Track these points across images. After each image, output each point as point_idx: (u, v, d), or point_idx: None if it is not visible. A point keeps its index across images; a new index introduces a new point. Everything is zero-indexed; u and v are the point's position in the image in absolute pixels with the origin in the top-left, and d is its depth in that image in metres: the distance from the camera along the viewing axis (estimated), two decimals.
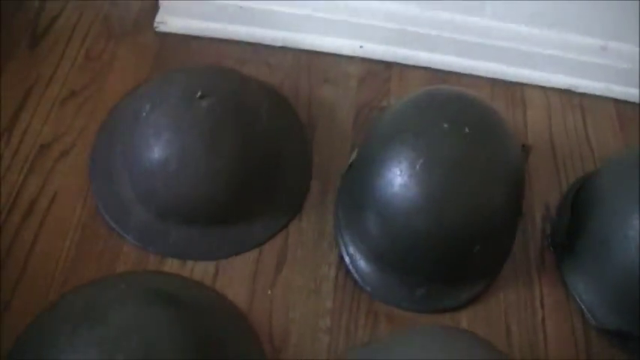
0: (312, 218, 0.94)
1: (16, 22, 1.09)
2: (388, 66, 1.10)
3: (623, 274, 0.85)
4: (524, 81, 1.09)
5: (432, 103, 0.86)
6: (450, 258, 0.84)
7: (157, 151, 0.85)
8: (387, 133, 0.86)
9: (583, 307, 0.89)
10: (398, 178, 0.82)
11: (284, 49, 1.10)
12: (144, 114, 0.88)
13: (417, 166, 0.81)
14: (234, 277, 0.88)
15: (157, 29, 1.10)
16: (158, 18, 1.09)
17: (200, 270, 0.88)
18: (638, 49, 1.03)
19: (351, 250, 0.89)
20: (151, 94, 0.90)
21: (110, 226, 0.90)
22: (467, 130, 0.82)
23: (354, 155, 0.92)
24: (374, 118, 1.02)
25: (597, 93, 1.11)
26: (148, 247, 0.88)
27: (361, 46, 1.10)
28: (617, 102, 1.11)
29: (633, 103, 1.09)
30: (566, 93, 1.11)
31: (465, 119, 0.83)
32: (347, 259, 0.89)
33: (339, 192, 0.95)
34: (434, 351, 0.70)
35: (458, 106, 0.85)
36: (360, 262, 0.89)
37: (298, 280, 0.88)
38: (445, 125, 0.82)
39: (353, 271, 0.89)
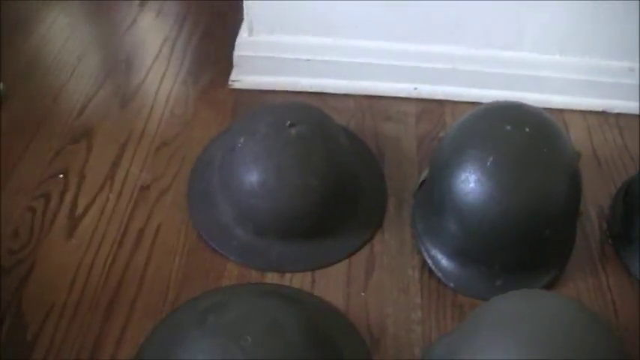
0: (393, 231, 1.04)
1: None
2: (441, 103, 1.22)
3: None
4: (564, 107, 1.20)
5: (492, 111, 0.98)
6: (523, 244, 0.93)
7: (255, 174, 0.97)
8: (455, 142, 0.97)
9: None
10: (472, 176, 0.93)
11: (347, 96, 1.22)
12: (239, 145, 0.99)
13: (488, 164, 0.92)
14: (329, 285, 0.97)
15: (231, 87, 1.21)
16: (233, 77, 1.21)
17: (298, 280, 0.97)
18: None
19: (433, 252, 0.98)
20: (242, 129, 1.02)
21: (213, 248, 0.99)
22: (527, 129, 0.93)
23: (424, 174, 1.04)
24: (439, 140, 1.12)
25: (631, 112, 1.21)
26: (250, 264, 0.98)
27: (415, 88, 1.21)
28: None
29: None
30: (603, 114, 1.21)
31: (524, 121, 0.94)
32: (429, 261, 0.98)
33: (414, 207, 1.06)
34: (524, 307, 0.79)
35: (517, 112, 0.96)
36: (441, 261, 0.98)
37: (387, 282, 0.97)
38: (508, 127, 0.93)
39: (436, 270, 0.98)
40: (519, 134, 0.93)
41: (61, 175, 1.08)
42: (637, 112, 1.22)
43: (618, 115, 1.23)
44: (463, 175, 0.93)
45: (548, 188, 0.92)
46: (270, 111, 1.02)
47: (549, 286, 0.97)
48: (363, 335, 0.91)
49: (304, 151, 0.97)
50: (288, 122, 0.98)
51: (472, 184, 0.92)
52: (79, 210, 1.04)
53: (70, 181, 1.07)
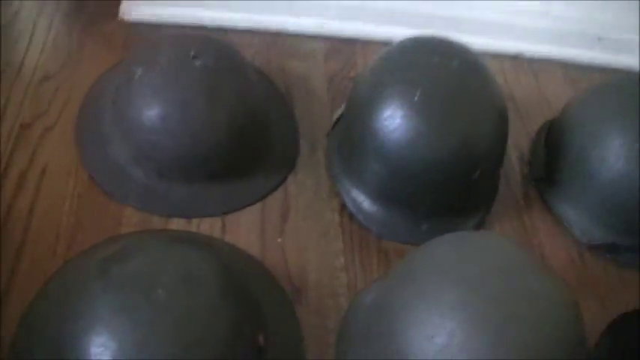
0: (307, 172, 0.96)
1: None
2: (351, 42, 1.15)
3: (602, 191, 0.92)
4: (478, 48, 1.13)
5: (418, 43, 0.91)
6: (453, 186, 0.87)
7: (156, 108, 0.86)
8: (377, 77, 0.90)
9: (572, 228, 0.93)
10: (398, 112, 0.85)
11: (250, 32, 1.12)
12: (137, 76, 0.88)
13: (416, 98, 0.84)
14: (241, 230, 0.88)
15: (121, 18, 1.09)
16: (123, 7, 1.09)
17: (207, 226, 0.88)
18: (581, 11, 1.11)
19: (353, 194, 0.91)
20: (140, 60, 0.90)
21: (107, 192, 0.87)
22: (456, 63, 0.86)
23: (338, 112, 0.96)
24: (349, 79, 1.07)
25: (544, 56, 1.17)
26: (151, 209, 0.87)
27: (323, 25, 1.12)
28: (564, 64, 1.17)
29: (579, 64, 1.17)
30: (517, 58, 1.17)
31: (453, 54, 0.88)
32: (349, 203, 0.91)
33: (329, 147, 0.98)
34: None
35: (444, 45, 0.90)
36: (363, 204, 0.90)
37: (305, 226, 0.89)
38: (436, 59, 0.86)
39: (357, 213, 0.90)
40: (448, 67, 0.87)
41: None
42: (550, 56, 1.16)
43: (532, 58, 1.17)
44: (388, 111, 0.86)
45: (480, 126, 0.87)
46: (172, 42, 0.92)
47: (475, 230, 0.91)
48: (283, 285, 0.83)
49: (211, 83, 0.87)
50: (192, 53, 0.87)
51: (398, 120, 0.85)
52: None
53: None
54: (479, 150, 0.86)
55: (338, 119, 0.97)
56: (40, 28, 1.07)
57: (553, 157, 0.98)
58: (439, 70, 0.86)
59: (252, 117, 0.91)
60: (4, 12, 1.07)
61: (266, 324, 0.77)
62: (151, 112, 0.85)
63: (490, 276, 0.67)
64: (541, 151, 1.00)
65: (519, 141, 1.04)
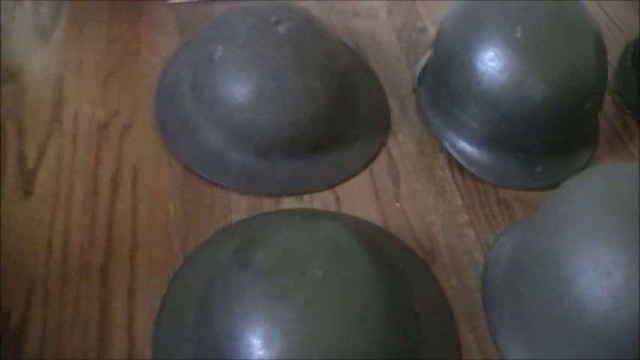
0: (405, 131, 0.92)
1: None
2: None
3: None
4: None
5: None
6: (567, 121, 0.83)
7: (248, 83, 0.82)
8: (468, 19, 0.85)
9: None
10: (501, 51, 0.81)
11: None
12: (218, 55, 0.83)
13: (518, 35, 0.80)
14: (356, 200, 0.84)
15: (169, 1, 1.03)
16: None
17: (319, 201, 0.84)
18: None
19: (460, 146, 0.87)
20: (216, 37, 0.85)
21: (209, 180, 0.82)
22: None
23: (421, 63, 0.91)
24: (418, 31, 1.04)
25: None
26: (258, 190, 0.82)
27: None
28: None
29: None
30: None
31: None
32: (458, 156, 0.86)
33: (422, 103, 0.93)
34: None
35: None
36: (473, 155, 0.87)
37: (419, 187, 0.86)
38: None
39: (467, 165, 0.86)
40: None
41: None
42: None
43: None
44: (490, 52, 0.82)
45: (585, 54, 0.83)
46: (244, 13, 0.86)
47: (586, 166, 0.87)
48: (415, 249, 0.77)
49: (299, 49, 0.83)
50: (274, 19, 0.82)
51: (504, 61, 0.81)
52: (30, 163, 0.84)
53: (6, 131, 0.86)
54: (588, 79, 0.83)
55: (422, 72, 0.91)
56: (89, 24, 1.00)
57: None
58: (534, 3, 0.81)
59: (344, 80, 0.87)
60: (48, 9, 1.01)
61: (413, 290, 0.72)
62: (243, 89, 0.81)
63: None
64: (630, 76, 0.96)
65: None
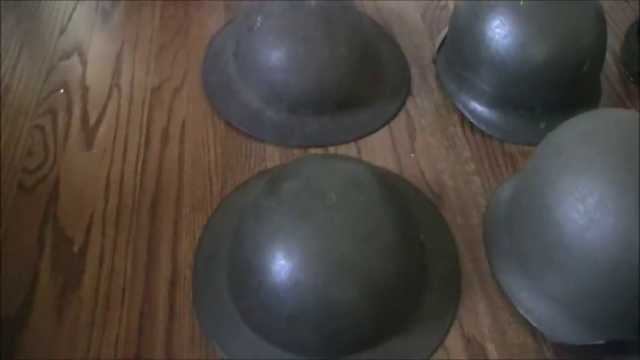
0: (423, 95, 1.02)
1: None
2: None
3: None
4: None
5: None
6: (565, 81, 0.92)
7: (283, 48, 0.93)
8: None
9: None
10: (507, 19, 0.92)
11: None
12: (257, 25, 0.94)
13: (521, 3, 0.90)
14: (376, 151, 0.95)
15: None
16: None
17: (343, 152, 0.94)
18: None
19: (471, 106, 0.97)
20: (255, 11, 0.97)
21: (247, 135, 0.94)
22: None
23: (441, 35, 1.01)
24: (441, 9, 1.14)
25: None
26: (290, 142, 0.93)
27: None
28: None
29: None
30: None
31: None
32: (469, 115, 0.96)
33: (440, 70, 1.03)
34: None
35: None
36: (482, 114, 0.96)
37: (433, 141, 0.95)
38: None
39: (478, 123, 0.96)
40: None
41: (62, 91, 1.01)
42: None
43: None
44: (497, 20, 0.92)
45: (582, 20, 0.92)
46: None
47: None
48: (425, 193, 0.88)
49: (327, 20, 0.94)
50: None
51: (508, 27, 0.91)
52: (92, 120, 0.97)
53: (73, 94, 1.00)
54: (585, 42, 0.91)
55: (441, 44, 1.02)
56: (145, 6, 1.14)
57: None
58: None
59: (367, 47, 0.97)
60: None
61: (420, 222, 0.82)
62: (278, 53, 0.92)
63: (630, 136, 0.72)
64: (634, 48, 1.05)
65: (610, 43, 1.07)
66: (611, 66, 1.06)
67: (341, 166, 0.79)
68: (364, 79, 0.96)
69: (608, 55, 1.03)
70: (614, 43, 1.09)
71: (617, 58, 1.07)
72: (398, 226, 0.76)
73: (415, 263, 0.78)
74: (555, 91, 0.92)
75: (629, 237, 0.68)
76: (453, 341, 0.76)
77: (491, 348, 0.76)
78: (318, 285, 0.70)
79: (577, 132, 0.77)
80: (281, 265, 0.72)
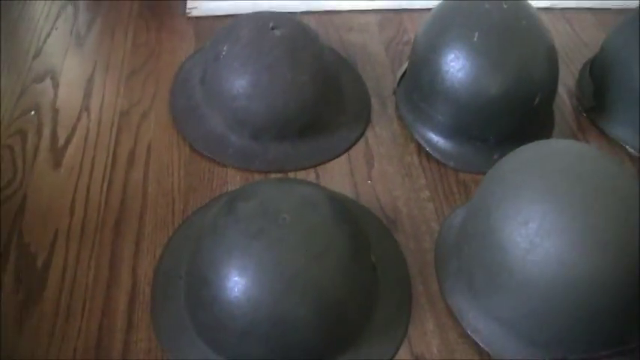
0: (383, 125, 1.06)
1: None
2: (398, 12, 1.26)
3: None
4: None
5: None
6: (517, 113, 0.96)
7: (246, 76, 0.97)
8: (437, 27, 1.00)
9: (626, 145, 1.03)
10: (461, 52, 0.96)
11: (307, 13, 1.24)
12: (223, 54, 0.98)
13: (475, 39, 0.95)
14: (334, 178, 0.98)
15: (189, 15, 1.20)
16: (189, 4, 1.20)
17: (302, 178, 0.97)
18: None
19: (428, 136, 1.01)
20: (223, 39, 1.01)
21: (210, 159, 0.98)
22: (505, 5, 0.96)
23: (401, 69, 1.06)
24: (404, 44, 1.19)
25: (575, 6, 1.27)
26: (251, 167, 0.97)
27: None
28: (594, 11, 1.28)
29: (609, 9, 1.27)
30: (550, 10, 1.27)
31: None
32: (425, 145, 1.00)
33: (399, 101, 1.08)
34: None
35: None
36: (437, 143, 1.00)
37: (389, 169, 0.99)
38: (487, 5, 0.97)
39: (433, 152, 1.00)
40: (499, 9, 0.96)
41: (33, 112, 1.04)
42: (580, 5, 1.27)
43: (564, 8, 1.27)
44: (452, 54, 0.96)
45: (534, 56, 0.96)
46: (248, 19, 1.02)
47: None
48: (380, 218, 0.92)
49: (291, 49, 0.98)
50: (272, 25, 0.98)
51: (462, 61, 0.95)
52: (61, 141, 1.00)
53: (43, 116, 1.04)
54: (536, 77, 0.96)
55: (402, 76, 1.06)
56: (119, 31, 1.18)
57: (599, 86, 1.08)
58: (492, 12, 0.96)
59: (329, 77, 1.01)
60: (83, 19, 1.19)
61: (372, 245, 0.86)
62: (242, 81, 0.96)
63: (573, 163, 0.76)
64: (587, 84, 1.10)
65: (566, 80, 1.13)
66: (565, 100, 1.10)
67: (296, 188, 0.83)
68: (326, 107, 1.00)
69: (562, 90, 1.09)
70: (568, 79, 1.14)
71: (571, 93, 1.11)
72: (350, 245, 0.79)
73: (366, 282, 0.81)
74: (508, 123, 0.96)
75: (567, 259, 0.72)
76: (403, 359, 0.79)
77: None
78: (270, 301, 0.73)
79: (521, 159, 0.81)
80: (235, 282, 0.74)
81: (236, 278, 0.75)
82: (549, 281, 0.73)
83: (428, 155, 1.00)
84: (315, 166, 0.99)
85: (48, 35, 1.17)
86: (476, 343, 0.79)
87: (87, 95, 1.07)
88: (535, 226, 0.74)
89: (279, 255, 0.75)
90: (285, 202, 0.79)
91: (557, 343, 0.76)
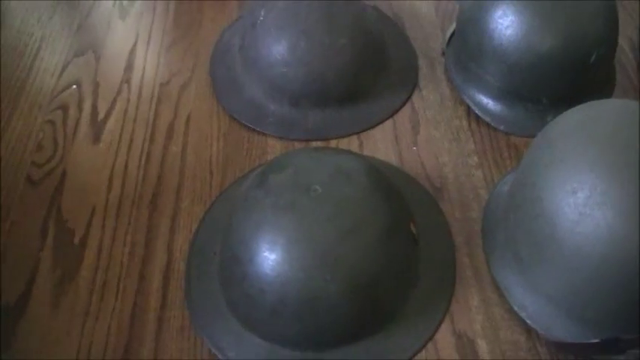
0: (430, 88, 1.00)
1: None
2: None
3: None
4: None
5: None
6: (570, 74, 0.90)
7: (283, 42, 0.93)
8: None
9: None
10: (509, 8, 0.90)
11: None
12: (260, 20, 0.94)
13: None
14: (378, 145, 0.93)
15: None
16: None
17: (344, 146, 0.93)
18: None
19: (477, 99, 0.95)
20: (259, 6, 0.97)
21: (249, 128, 0.94)
22: None
23: (451, 29, 1.00)
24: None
25: None
26: (291, 136, 0.93)
27: None
28: None
29: None
30: None
31: None
32: (475, 108, 0.95)
33: (448, 62, 1.02)
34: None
35: None
36: (487, 105, 0.94)
37: (436, 134, 0.94)
38: None
39: (483, 115, 0.94)
40: None
41: (74, 87, 1.03)
42: None
43: None
44: (499, 11, 0.90)
45: (588, 9, 0.89)
46: None
47: None
48: (425, 186, 0.86)
49: (329, 11, 0.94)
50: None
51: (510, 17, 0.89)
52: (101, 115, 0.99)
53: (84, 91, 1.02)
54: (591, 32, 0.88)
55: (451, 36, 1.00)
56: (161, 2, 1.16)
57: None
58: None
59: (371, 39, 0.97)
60: None
61: (414, 215, 0.81)
62: (279, 47, 0.92)
63: (627, 127, 0.69)
64: None
65: (629, 32, 1.05)
66: (627, 55, 1.03)
67: (332, 157, 0.79)
68: (368, 70, 0.95)
69: (624, 44, 1.02)
70: (631, 31, 1.05)
71: (635, 47, 1.03)
72: (387, 218, 0.75)
73: (404, 257, 0.77)
74: (561, 82, 0.90)
75: (619, 231, 0.66)
76: (443, 336, 0.75)
77: (482, 345, 0.74)
78: (300, 278, 0.70)
79: (570, 122, 0.75)
80: (264, 257, 0.72)
81: (265, 254, 0.72)
82: (600, 255, 0.67)
83: (477, 118, 0.94)
84: (358, 133, 0.95)
85: (91, 8, 1.14)
86: (522, 321, 0.73)
87: (128, 67, 1.05)
88: (584, 195, 0.68)
89: (310, 230, 0.72)
90: (318, 172, 0.75)
91: (608, 322, 0.70)
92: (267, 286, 0.71)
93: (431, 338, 0.75)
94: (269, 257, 0.71)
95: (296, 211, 0.72)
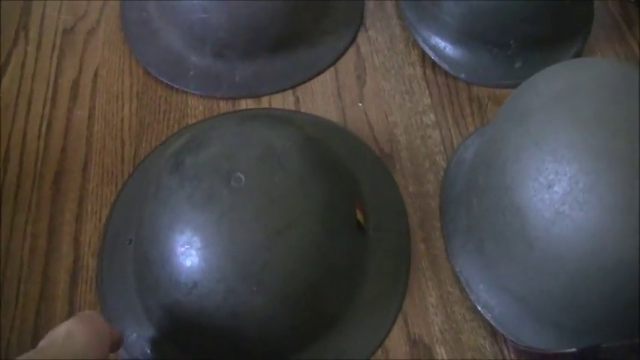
0: (378, 26, 0.86)
1: None
2: None
3: None
4: None
5: None
6: (544, 11, 0.75)
7: None
8: None
9: None
10: None
11: None
12: None
13: None
14: (317, 100, 0.80)
15: None
16: None
17: (278, 103, 0.80)
18: None
19: (433, 41, 0.80)
20: None
21: (167, 85, 0.79)
22: None
23: None
24: None
25: None
26: (215, 93, 0.79)
27: None
28: None
29: None
30: None
31: None
32: (430, 52, 0.81)
33: None
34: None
35: None
36: (445, 50, 0.80)
37: (386, 85, 0.80)
38: None
39: (440, 61, 0.80)
40: None
41: None
42: None
43: None
44: None
45: None
46: None
47: (577, 55, 0.80)
48: (375, 152, 0.73)
49: None
50: None
51: None
52: None
53: None
54: None
55: None
56: None
57: None
58: None
59: None
60: None
61: (363, 196, 0.68)
62: None
63: (609, 106, 0.56)
64: None
65: None
66: None
67: (259, 134, 0.65)
68: (306, 11, 0.80)
69: None
70: None
71: None
72: (325, 211, 0.62)
73: (347, 253, 0.65)
74: (532, 23, 0.77)
75: (604, 237, 0.54)
76: (396, 343, 0.64)
77: (441, 352, 0.64)
78: (219, 291, 0.58)
79: (547, 92, 0.61)
80: (178, 263, 0.60)
81: (179, 259, 0.60)
82: (580, 261, 0.55)
83: (434, 65, 0.80)
84: (293, 87, 0.81)
85: None
86: (488, 322, 0.61)
87: (24, 10, 0.88)
88: (562, 191, 0.55)
89: (231, 231, 0.59)
90: (242, 154, 0.62)
91: (587, 329, 0.59)
92: (183, 297, 0.60)
93: (380, 345, 0.63)
94: (183, 264, 0.59)
95: (215, 208, 0.59)
